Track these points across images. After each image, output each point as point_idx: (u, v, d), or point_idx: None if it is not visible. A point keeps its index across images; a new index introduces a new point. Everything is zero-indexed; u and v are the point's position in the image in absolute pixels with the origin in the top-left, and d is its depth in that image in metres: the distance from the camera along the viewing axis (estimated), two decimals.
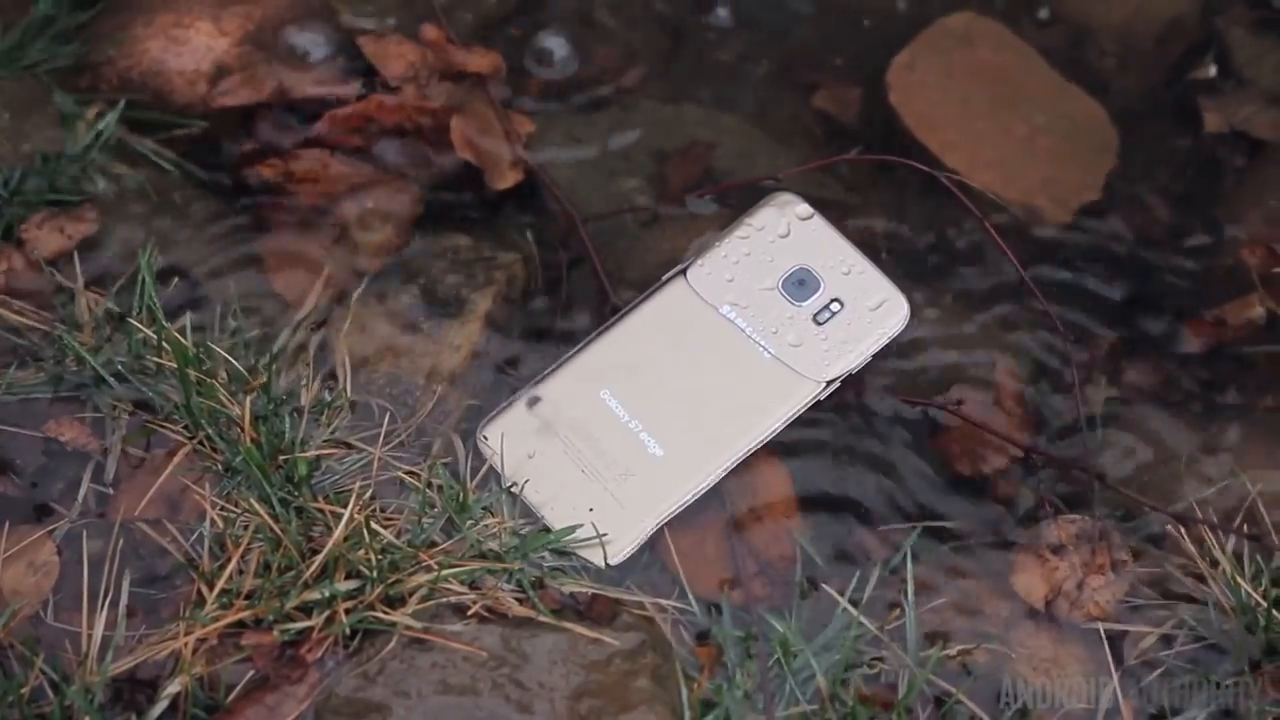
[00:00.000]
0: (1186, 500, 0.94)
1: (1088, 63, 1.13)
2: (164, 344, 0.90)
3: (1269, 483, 0.94)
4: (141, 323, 0.92)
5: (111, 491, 0.89)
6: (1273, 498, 0.93)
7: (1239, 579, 0.89)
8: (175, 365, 0.88)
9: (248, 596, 0.84)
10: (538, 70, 1.08)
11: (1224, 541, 0.91)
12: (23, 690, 0.81)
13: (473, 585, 0.86)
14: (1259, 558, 0.91)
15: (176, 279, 0.97)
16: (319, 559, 0.84)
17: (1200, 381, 1.00)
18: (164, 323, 0.90)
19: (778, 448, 0.94)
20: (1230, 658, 0.88)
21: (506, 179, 1.03)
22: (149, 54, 1.04)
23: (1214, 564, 0.90)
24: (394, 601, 0.85)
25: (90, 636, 0.83)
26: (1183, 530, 0.92)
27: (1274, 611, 0.87)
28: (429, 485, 0.90)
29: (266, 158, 1.02)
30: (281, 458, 0.89)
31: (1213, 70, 1.12)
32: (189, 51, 1.04)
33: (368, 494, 0.89)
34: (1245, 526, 0.92)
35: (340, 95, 1.03)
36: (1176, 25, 1.14)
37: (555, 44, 1.08)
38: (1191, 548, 0.91)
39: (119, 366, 0.91)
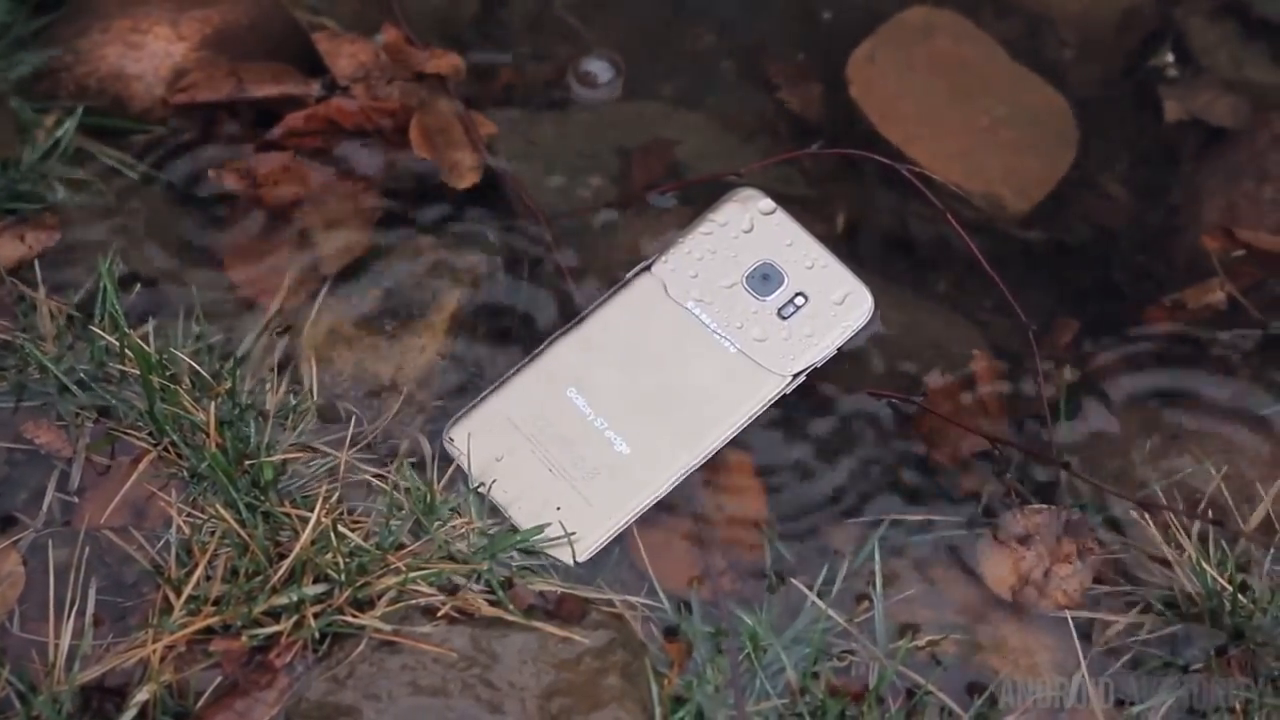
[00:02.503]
0: (1151, 487, 0.94)
1: (1047, 53, 1.13)
2: (127, 351, 0.90)
3: (1232, 467, 0.94)
4: (104, 330, 0.91)
5: (76, 500, 0.88)
6: (1236, 483, 0.94)
7: (1204, 564, 0.89)
8: (139, 372, 0.88)
9: (215, 602, 0.84)
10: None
11: (1189, 527, 0.92)
12: None
13: (441, 586, 0.86)
14: (1223, 542, 0.91)
15: (138, 285, 0.96)
16: (286, 563, 0.84)
17: (1163, 366, 1.00)
18: (126, 329, 0.90)
19: (745, 442, 0.94)
20: (1197, 643, 0.89)
21: (465, 179, 1.02)
22: (107, 60, 1.03)
23: (1179, 550, 0.91)
24: (363, 604, 0.85)
25: (57, 646, 0.83)
26: (1148, 517, 0.92)
27: (1239, 596, 0.88)
28: (396, 487, 0.90)
29: (226, 161, 1.01)
30: (247, 462, 0.89)
31: (1170, 58, 1.13)
32: (147, 57, 1.03)
33: (334, 497, 0.89)
34: (1209, 512, 0.92)
35: (299, 96, 1.03)
36: (1134, 14, 1.14)
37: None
38: (1157, 534, 0.92)
39: (82, 374, 0.91)
